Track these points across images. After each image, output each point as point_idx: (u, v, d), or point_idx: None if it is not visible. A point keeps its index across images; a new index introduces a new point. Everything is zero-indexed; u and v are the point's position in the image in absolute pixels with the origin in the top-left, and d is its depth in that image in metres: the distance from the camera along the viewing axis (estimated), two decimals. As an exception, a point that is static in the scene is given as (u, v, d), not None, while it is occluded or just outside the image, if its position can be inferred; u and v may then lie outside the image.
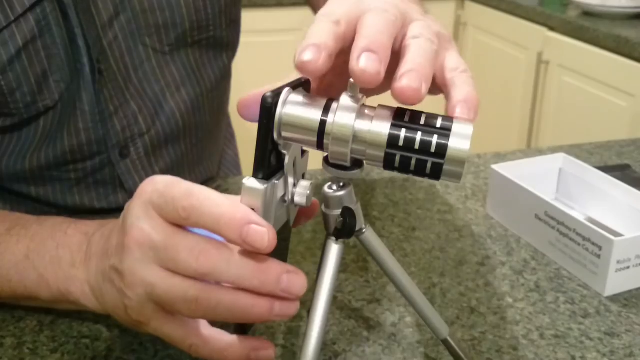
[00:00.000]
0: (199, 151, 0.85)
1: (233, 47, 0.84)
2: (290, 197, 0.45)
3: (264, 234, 0.40)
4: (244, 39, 0.88)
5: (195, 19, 0.74)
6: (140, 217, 0.43)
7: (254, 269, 0.42)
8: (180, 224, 0.42)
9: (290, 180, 0.45)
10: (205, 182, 0.89)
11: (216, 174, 0.93)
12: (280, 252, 0.47)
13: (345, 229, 0.45)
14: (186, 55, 0.76)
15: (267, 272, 0.42)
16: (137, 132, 0.75)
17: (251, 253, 0.42)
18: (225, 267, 0.42)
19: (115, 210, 0.78)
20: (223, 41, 0.80)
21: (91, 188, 0.76)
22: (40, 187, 0.75)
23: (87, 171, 0.75)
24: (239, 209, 0.41)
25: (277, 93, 0.41)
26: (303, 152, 0.47)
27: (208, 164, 0.89)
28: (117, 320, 0.48)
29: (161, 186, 0.43)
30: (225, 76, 0.85)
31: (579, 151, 0.96)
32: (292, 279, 0.42)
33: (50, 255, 0.53)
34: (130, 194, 0.77)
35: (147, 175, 0.77)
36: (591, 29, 1.98)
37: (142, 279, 0.43)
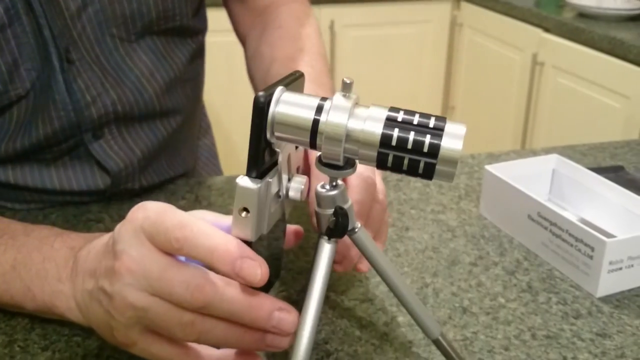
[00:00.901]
0: (176, 139, 0.86)
1: (201, 32, 0.85)
2: (284, 192, 0.45)
3: (256, 268, 0.41)
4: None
5: (162, 8, 0.75)
6: (132, 244, 0.43)
7: (246, 305, 0.42)
8: (172, 253, 0.43)
9: (285, 175, 0.45)
10: (184, 175, 0.90)
11: (193, 167, 0.94)
12: (275, 248, 0.47)
13: (338, 229, 0.45)
14: (153, 43, 0.76)
15: (259, 309, 0.43)
16: (113, 118, 0.75)
17: (245, 288, 0.43)
18: (219, 303, 0.42)
19: (97, 193, 0.78)
20: (189, 28, 0.81)
21: (68, 168, 0.77)
22: (18, 171, 0.75)
23: (63, 152, 0.75)
24: (232, 242, 0.41)
25: (269, 92, 0.41)
26: (296, 146, 0.47)
27: (186, 155, 0.90)
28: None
29: (153, 214, 0.43)
30: (195, 60, 0.85)
31: (572, 152, 0.96)
32: (283, 317, 0.43)
33: (36, 268, 0.53)
34: (112, 175, 0.77)
35: (129, 157, 0.78)
36: (586, 30, 1.99)
37: (132, 304, 0.43)
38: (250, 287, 0.43)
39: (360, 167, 0.52)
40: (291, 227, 0.50)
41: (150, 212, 0.43)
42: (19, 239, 0.56)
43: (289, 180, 0.45)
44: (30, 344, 0.55)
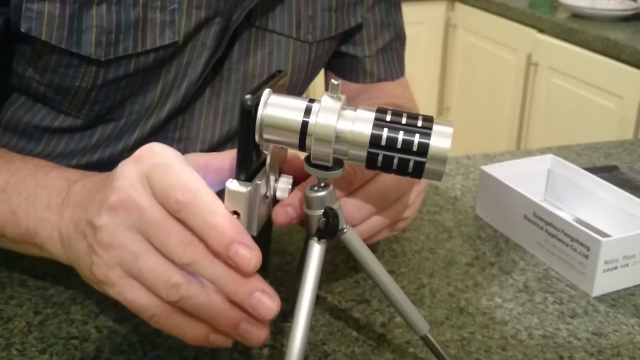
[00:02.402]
0: None
1: None
2: (272, 192, 0.45)
3: (251, 256, 0.41)
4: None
5: (292, 93, 0.77)
6: (133, 185, 0.42)
7: (233, 275, 0.42)
8: (168, 210, 0.42)
9: (272, 176, 0.45)
10: None
11: None
12: (263, 249, 0.47)
13: (329, 229, 0.45)
14: None
15: (244, 282, 0.42)
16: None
17: None
18: (208, 263, 0.42)
19: None
20: None
21: None
22: None
23: None
24: (233, 223, 0.41)
25: (257, 95, 0.41)
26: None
27: None
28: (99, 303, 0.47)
29: (160, 161, 0.42)
30: None
31: (567, 152, 0.96)
32: (263, 300, 0.42)
33: (27, 193, 0.52)
34: None
35: None
36: (580, 31, 2.00)
37: (122, 244, 0.42)
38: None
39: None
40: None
41: (158, 157, 0.43)
42: (15, 164, 0.55)
43: (276, 180, 0.46)
44: (28, 347, 0.55)
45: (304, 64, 0.76)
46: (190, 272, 0.43)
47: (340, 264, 0.68)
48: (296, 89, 0.79)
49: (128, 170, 0.43)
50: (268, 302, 0.42)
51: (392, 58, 0.87)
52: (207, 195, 0.41)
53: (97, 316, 0.58)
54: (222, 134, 0.74)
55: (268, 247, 0.49)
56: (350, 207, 0.52)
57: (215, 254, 0.41)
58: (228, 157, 0.45)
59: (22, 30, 0.59)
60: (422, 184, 0.59)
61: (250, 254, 0.41)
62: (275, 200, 0.47)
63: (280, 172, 0.48)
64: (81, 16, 0.60)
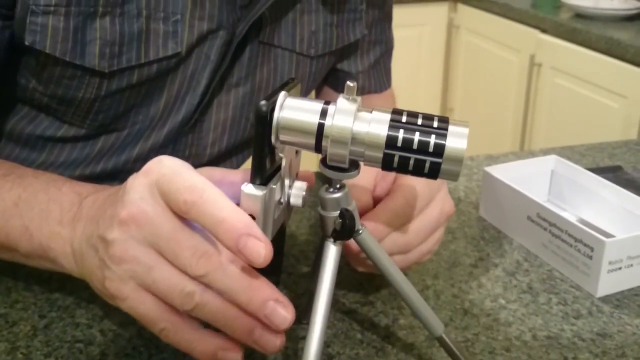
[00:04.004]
0: None
1: None
2: (286, 199, 0.45)
3: (261, 248, 0.40)
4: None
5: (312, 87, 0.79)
6: (144, 198, 0.43)
7: (246, 284, 0.42)
8: (180, 215, 0.42)
9: (286, 182, 0.45)
10: None
11: None
12: (275, 254, 0.47)
13: (345, 230, 0.46)
14: None
15: (256, 291, 0.42)
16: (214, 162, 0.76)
17: (249, 269, 0.42)
18: (221, 275, 0.42)
19: None
20: None
21: None
22: None
23: None
24: (241, 217, 0.41)
25: (271, 101, 0.42)
26: (296, 152, 0.47)
27: None
28: (107, 315, 0.48)
29: (168, 170, 0.43)
30: None
31: (571, 153, 0.96)
32: (278, 310, 0.42)
33: (39, 207, 0.52)
34: None
35: None
36: (583, 31, 2.00)
37: (134, 257, 0.42)
38: (254, 271, 0.42)
39: (412, 182, 0.55)
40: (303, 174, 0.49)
41: (166, 168, 0.43)
42: (27, 179, 0.56)
43: (290, 187, 0.46)
44: (33, 350, 0.55)
45: (305, 77, 0.77)
46: (204, 283, 0.42)
47: (344, 266, 0.68)
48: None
49: (138, 183, 0.43)
50: (282, 311, 0.42)
51: (381, 71, 0.89)
52: (215, 194, 0.42)
53: (101, 320, 0.58)
54: (228, 145, 0.75)
55: (281, 253, 0.49)
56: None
57: (227, 248, 0.41)
58: (245, 174, 0.45)
59: (27, 43, 0.60)
60: (438, 221, 0.58)
61: (259, 246, 0.40)
62: (289, 207, 0.47)
63: (295, 178, 0.48)
64: (85, 28, 0.60)
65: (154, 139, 0.70)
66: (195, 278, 0.42)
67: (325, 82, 0.88)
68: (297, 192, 0.46)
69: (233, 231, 0.40)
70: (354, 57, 0.85)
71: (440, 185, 0.59)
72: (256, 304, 0.42)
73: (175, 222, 0.42)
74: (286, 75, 0.75)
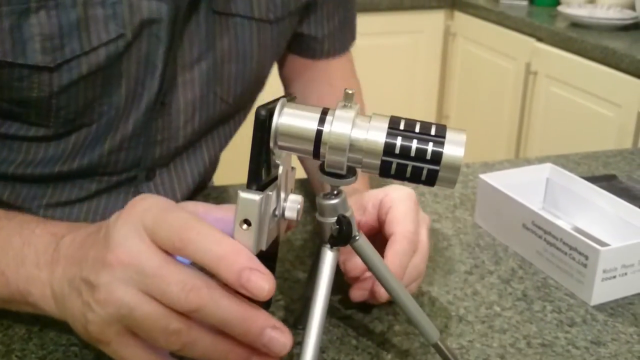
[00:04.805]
0: (209, 173, 0.88)
1: None
2: (280, 211, 0.45)
3: (264, 281, 0.40)
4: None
5: (261, 74, 0.77)
6: (128, 237, 0.42)
7: (241, 315, 0.41)
8: (171, 253, 0.41)
9: (282, 193, 0.45)
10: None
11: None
12: (269, 268, 0.47)
13: (342, 236, 0.46)
14: (238, 104, 0.78)
15: (252, 322, 0.42)
16: (169, 161, 0.76)
17: (241, 299, 0.41)
18: (214, 308, 0.41)
19: None
20: (262, 89, 0.84)
21: (102, 202, 0.76)
22: (55, 196, 0.74)
23: (109, 184, 0.75)
24: (241, 251, 0.40)
25: (270, 107, 0.42)
26: (292, 167, 0.47)
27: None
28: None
29: (155, 209, 0.42)
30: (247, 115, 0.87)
31: (566, 161, 0.97)
32: (275, 337, 0.42)
33: (14, 252, 0.51)
34: None
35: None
36: (579, 40, 2.01)
37: (118, 299, 0.41)
38: (247, 300, 0.42)
39: (405, 222, 0.57)
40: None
41: (153, 206, 0.42)
42: (0, 222, 0.54)
43: (285, 200, 0.46)
44: (28, 353, 0.55)
45: (269, 44, 0.76)
46: (196, 319, 0.42)
47: (340, 272, 0.68)
48: (264, 69, 0.78)
49: (122, 223, 0.42)
50: (280, 337, 0.42)
51: (345, 33, 0.88)
52: (210, 229, 0.41)
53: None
54: (201, 124, 0.74)
55: (274, 267, 0.49)
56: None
57: (229, 284, 0.40)
58: (229, 210, 0.44)
59: None
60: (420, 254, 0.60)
61: (263, 280, 0.40)
62: (283, 220, 0.47)
63: (290, 191, 0.48)
64: (21, 27, 0.59)
65: (123, 129, 0.69)
66: (187, 314, 0.41)
67: (290, 49, 0.87)
68: (292, 205, 0.46)
69: (234, 265, 0.40)
70: (317, 19, 0.83)
71: (415, 200, 0.61)
72: (253, 334, 0.42)
73: (161, 258, 0.41)
74: (248, 45, 0.73)
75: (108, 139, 0.70)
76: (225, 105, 0.76)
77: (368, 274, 0.57)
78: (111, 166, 0.72)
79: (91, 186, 0.74)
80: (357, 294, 0.58)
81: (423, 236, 0.60)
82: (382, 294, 0.56)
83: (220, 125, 0.80)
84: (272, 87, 0.86)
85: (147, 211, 0.42)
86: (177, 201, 0.78)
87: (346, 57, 0.92)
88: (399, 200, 0.60)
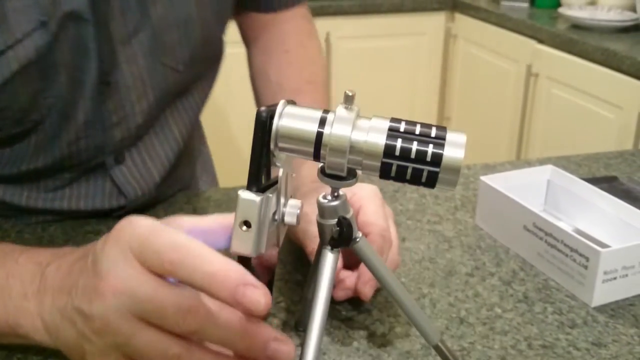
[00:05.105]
0: (187, 157, 0.86)
1: (222, 57, 0.86)
2: (280, 216, 0.45)
3: (260, 295, 0.39)
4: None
5: (207, 33, 0.75)
6: (117, 263, 0.40)
7: (241, 332, 0.41)
8: (163, 275, 0.40)
9: (282, 198, 0.45)
10: (183, 189, 0.90)
11: (190, 181, 0.94)
12: (269, 273, 0.47)
13: (343, 238, 0.46)
14: (190, 70, 0.76)
15: (255, 336, 0.41)
16: (134, 141, 0.75)
17: (240, 314, 0.41)
18: (213, 327, 0.40)
19: (103, 213, 0.78)
20: (220, 55, 0.82)
21: (82, 189, 0.76)
22: (34, 190, 0.75)
23: (82, 173, 0.75)
24: (234, 267, 0.39)
25: (271, 108, 0.42)
26: (292, 174, 0.47)
27: (186, 168, 0.90)
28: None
29: (142, 231, 0.41)
30: (213, 85, 0.86)
31: (567, 163, 0.97)
32: (280, 348, 0.42)
33: None
34: (129, 201, 0.77)
35: (147, 184, 0.78)
36: (580, 42, 2.01)
37: (115, 328, 0.41)
38: (245, 314, 0.41)
39: (378, 221, 0.58)
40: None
41: (139, 229, 0.41)
42: None
43: (284, 205, 0.46)
44: (29, 355, 0.55)
45: (207, 2, 0.74)
46: (196, 340, 0.41)
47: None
48: (211, 31, 0.76)
49: (109, 249, 0.41)
50: (284, 348, 0.42)
51: None
52: (200, 247, 0.40)
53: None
54: (156, 97, 0.73)
55: (273, 273, 0.49)
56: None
57: (224, 302, 0.40)
58: (215, 220, 0.43)
59: None
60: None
61: (258, 294, 0.39)
62: (283, 225, 0.47)
63: (290, 197, 0.48)
64: None
65: (74, 118, 0.68)
66: (186, 336, 0.41)
67: (246, 7, 0.86)
68: (291, 210, 0.46)
69: (228, 283, 0.39)
70: None
71: (380, 196, 0.62)
72: (257, 348, 0.41)
73: (153, 281, 0.40)
74: (184, 7, 0.71)
75: (63, 132, 0.69)
76: (177, 75, 0.74)
77: (346, 273, 0.58)
78: (75, 157, 0.72)
79: (64, 176, 0.74)
80: (340, 294, 0.59)
81: (393, 230, 0.61)
82: (367, 294, 0.57)
83: (181, 98, 0.78)
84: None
85: (134, 235, 0.41)
86: (155, 182, 0.78)
87: (301, 14, 0.89)
88: (367, 199, 0.60)
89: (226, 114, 2.37)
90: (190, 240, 0.40)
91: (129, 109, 0.72)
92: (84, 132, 0.70)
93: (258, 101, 0.88)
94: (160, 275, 0.40)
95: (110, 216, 0.79)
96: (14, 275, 0.49)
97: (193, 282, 0.40)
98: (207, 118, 1.02)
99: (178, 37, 0.72)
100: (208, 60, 0.80)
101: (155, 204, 0.83)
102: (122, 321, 0.40)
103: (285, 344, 0.42)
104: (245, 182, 0.42)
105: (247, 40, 0.91)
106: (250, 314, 0.41)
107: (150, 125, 0.76)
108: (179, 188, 0.88)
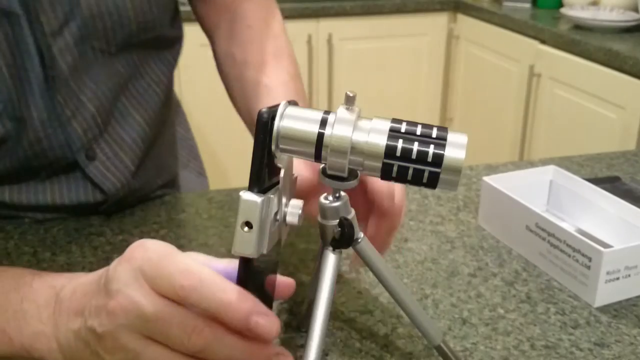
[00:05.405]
0: (163, 142, 0.86)
1: (178, 41, 0.85)
2: (282, 216, 0.45)
3: (272, 324, 0.41)
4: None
5: (142, 19, 0.74)
6: (128, 284, 0.42)
7: (246, 348, 0.42)
8: (174, 300, 0.42)
9: (284, 198, 0.45)
10: (171, 182, 0.90)
11: (175, 170, 0.93)
12: (271, 272, 0.47)
13: (344, 239, 0.46)
14: (129, 53, 0.75)
15: (259, 353, 0.43)
16: (99, 133, 0.75)
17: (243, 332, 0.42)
18: (217, 346, 0.42)
19: (91, 205, 0.78)
20: (167, 39, 0.81)
21: (63, 186, 0.76)
22: (12, 189, 0.74)
23: (57, 171, 0.74)
24: (246, 297, 0.41)
25: (273, 109, 0.42)
26: (294, 176, 0.47)
27: (168, 160, 0.90)
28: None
29: (154, 256, 0.42)
30: (171, 69, 0.85)
31: (569, 163, 0.97)
32: None
33: (13, 309, 0.50)
34: (109, 195, 0.77)
35: (124, 176, 0.77)
36: (582, 42, 2.00)
37: (124, 345, 0.42)
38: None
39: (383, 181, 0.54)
40: (282, 280, 0.48)
41: (152, 253, 0.42)
42: None
43: (286, 205, 0.46)
44: (33, 357, 0.55)
45: None
46: (202, 358, 0.42)
47: (343, 274, 0.68)
48: (146, 15, 0.74)
49: (121, 270, 0.43)
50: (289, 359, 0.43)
51: None
52: (213, 275, 0.41)
53: None
54: (101, 87, 0.73)
55: (275, 273, 0.49)
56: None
57: (236, 329, 0.41)
58: (230, 263, 0.44)
59: None
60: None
61: (270, 323, 0.41)
62: (284, 225, 0.47)
63: (291, 197, 0.48)
64: None
65: (29, 118, 0.68)
66: (193, 355, 0.42)
67: None
68: (293, 210, 0.46)
69: (241, 311, 0.41)
70: None
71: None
72: None
73: (159, 303, 0.42)
74: None
75: (21, 134, 0.69)
76: (113, 59, 0.73)
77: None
78: (42, 157, 0.72)
79: (41, 174, 0.74)
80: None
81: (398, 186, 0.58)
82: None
83: (133, 82, 0.78)
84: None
85: (147, 259, 0.42)
86: (130, 170, 0.78)
87: (265, 1, 0.86)
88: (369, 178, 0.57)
89: (228, 114, 2.37)
90: (202, 268, 0.42)
91: (77, 99, 0.71)
92: (43, 132, 0.70)
93: (227, 86, 0.85)
94: (172, 300, 0.42)
95: (110, 216, 0.79)
96: (29, 299, 0.50)
97: (207, 308, 0.41)
98: (210, 118, 1.01)
99: (111, 24, 0.71)
100: (152, 45, 0.79)
101: (148, 193, 0.83)
102: (130, 339, 0.42)
103: (286, 358, 0.44)
104: (244, 184, 0.42)
105: (209, 29, 0.88)
106: (259, 340, 0.42)
107: (109, 113, 0.75)
108: (166, 177, 0.88)
